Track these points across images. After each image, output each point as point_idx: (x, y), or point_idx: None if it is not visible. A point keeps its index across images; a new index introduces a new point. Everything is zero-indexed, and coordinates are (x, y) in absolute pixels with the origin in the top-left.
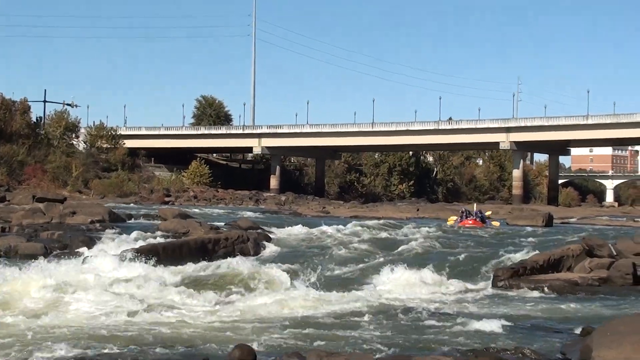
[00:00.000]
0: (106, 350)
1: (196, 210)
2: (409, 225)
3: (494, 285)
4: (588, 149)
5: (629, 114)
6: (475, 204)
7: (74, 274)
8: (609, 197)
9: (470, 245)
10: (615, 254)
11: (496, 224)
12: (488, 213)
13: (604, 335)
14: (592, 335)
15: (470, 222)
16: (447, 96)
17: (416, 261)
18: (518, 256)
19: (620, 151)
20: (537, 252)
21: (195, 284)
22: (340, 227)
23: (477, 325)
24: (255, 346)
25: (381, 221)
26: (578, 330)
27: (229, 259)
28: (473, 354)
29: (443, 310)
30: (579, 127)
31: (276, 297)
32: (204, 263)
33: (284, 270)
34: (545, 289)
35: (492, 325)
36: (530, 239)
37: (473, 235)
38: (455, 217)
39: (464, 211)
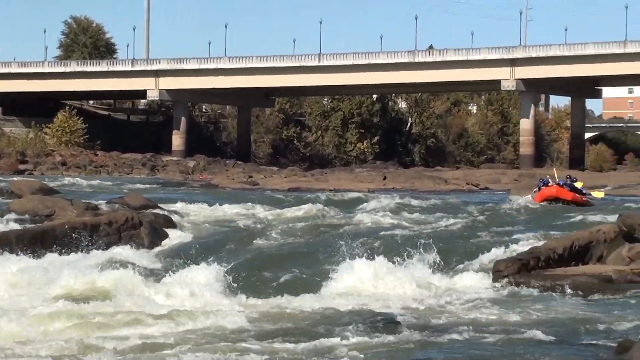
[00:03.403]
0: None
1: (65, 182)
2: (375, 197)
3: (493, 284)
4: (626, 88)
5: None
6: (555, 169)
7: None
8: None
9: (460, 227)
10: None
11: (598, 194)
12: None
13: None
14: (632, 352)
15: (555, 190)
16: (427, 16)
17: (385, 250)
18: (527, 241)
19: None
20: (553, 235)
21: (67, 289)
22: (275, 206)
23: (472, 338)
24: None
25: (333, 194)
26: (612, 345)
27: (114, 249)
28: None
29: (423, 317)
30: (614, 58)
31: (187, 309)
32: (76, 255)
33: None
34: (567, 287)
35: (493, 339)
36: (544, 218)
37: (469, 210)
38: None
39: (542, 180)
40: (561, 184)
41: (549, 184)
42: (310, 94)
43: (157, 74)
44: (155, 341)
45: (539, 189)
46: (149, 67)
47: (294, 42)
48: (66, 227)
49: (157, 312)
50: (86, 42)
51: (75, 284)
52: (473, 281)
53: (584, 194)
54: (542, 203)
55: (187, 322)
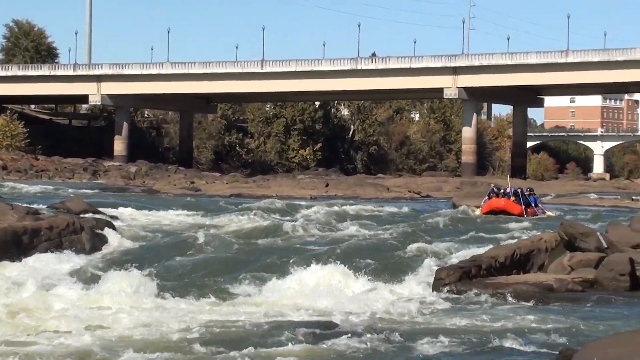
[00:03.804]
0: None
1: (6, 186)
2: (315, 205)
3: (435, 292)
4: (568, 98)
5: (625, 49)
6: (509, 177)
7: None
8: (598, 167)
9: (402, 235)
10: (605, 246)
11: (551, 214)
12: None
13: None
14: None
15: (503, 203)
16: (370, 24)
17: (327, 258)
18: (469, 251)
19: (612, 102)
20: (494, 244)
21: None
22: (216, 212)
23: (407, 348)
24: None
25: (275, 201)
26: (554, 354)
27: (48, 255)
28: None
29: (363, 327)
30: (556, 68)
31: (124, 316)
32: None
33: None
34: (508, 296)
35: (434, 348)
36: (486, 226)
37: (411, 219)
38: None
39: (493, 189)
40: (512, 192)
41: (500, 192)
42: (252, 100)
43: (99, 78)
44: (86, 349)
45: (489, 197)
46: (91, 72)
47: (237, 48)
48: (6, 231)
49: (90, 320)
50: (28, 46)
51: (5, 292)
52: (415, 289)
53: (538, 206)
54: (485, 215)
55: (122, 330)
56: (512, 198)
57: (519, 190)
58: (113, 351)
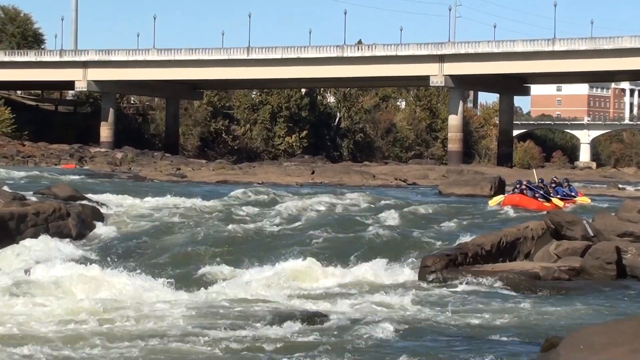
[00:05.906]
0: None
1: None
2: (304, 191)
3: (421, 279)
4: (555, 86)
5: (612, 37)
6: (535, 170)
7: None
8: (584, 155)
9: (387, 222)
10: (592, 234)
11: (585, 200)
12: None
13: (573, 349)
14: (558, 350)
15: (518, 199)
16: (356, 11)
17: (312, 245)
18: (455, 238)
19: (599, 90)
20: (481, 232)
21: None
22: (203, 199)
23: (395, 336)
24: None
25: (260, 188)
26: (539, 343)
27: (32, 240)
28: None
29: (345, 315)
30: (542, 56)
31: (108, 304)
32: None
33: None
34: (494, 284)
35: (420, 336)
36: (472, 215)
37: (397, 206)
38: (500, 197)
39: (519, 183)
40: (529, 187)
41: (523, 187)
42: (238, 87)
43: (85, 64)
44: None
45: (513, 191)
46: (77, 58)
47: (223, 35)
48: None
49: (76, 307)
50: (14, 32)
51: None
52: (400, 277)
53: (570, 197)
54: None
55: (107, 318)
56: (535, 194)
57: (531, 185)
58: (97, 338)
